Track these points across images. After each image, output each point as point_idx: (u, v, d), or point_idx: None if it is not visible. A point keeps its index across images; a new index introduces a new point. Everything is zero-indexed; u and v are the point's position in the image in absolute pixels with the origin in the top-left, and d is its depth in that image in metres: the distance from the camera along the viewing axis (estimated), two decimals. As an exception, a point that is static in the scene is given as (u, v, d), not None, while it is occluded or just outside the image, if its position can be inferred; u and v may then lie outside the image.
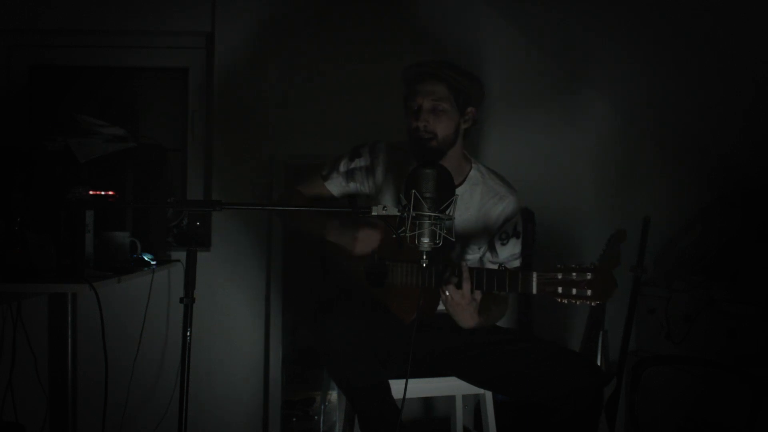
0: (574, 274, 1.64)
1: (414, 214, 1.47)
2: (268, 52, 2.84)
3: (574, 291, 1.64)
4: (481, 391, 1.93)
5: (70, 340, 2.30)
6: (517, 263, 1.99)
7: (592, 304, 1.65)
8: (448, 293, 1.71)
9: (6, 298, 2.35)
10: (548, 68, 2.96)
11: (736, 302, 2.41)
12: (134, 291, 2.61)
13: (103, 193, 2.18)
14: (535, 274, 1.67)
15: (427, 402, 2.88)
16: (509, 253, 1.98)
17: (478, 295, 1.73)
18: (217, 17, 2.83)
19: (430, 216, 1.47)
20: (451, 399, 2.26)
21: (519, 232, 1.99)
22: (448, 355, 1.90)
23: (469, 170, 1.99)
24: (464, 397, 2.24)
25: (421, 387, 1.89)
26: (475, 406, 2.65)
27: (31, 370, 2.48)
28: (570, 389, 1.72)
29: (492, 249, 1.98)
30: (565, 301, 1.66)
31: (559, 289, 1.65)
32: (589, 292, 1.63)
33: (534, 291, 1.67)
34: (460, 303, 1.72)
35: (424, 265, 1.50)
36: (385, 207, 1.50)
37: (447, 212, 1.50)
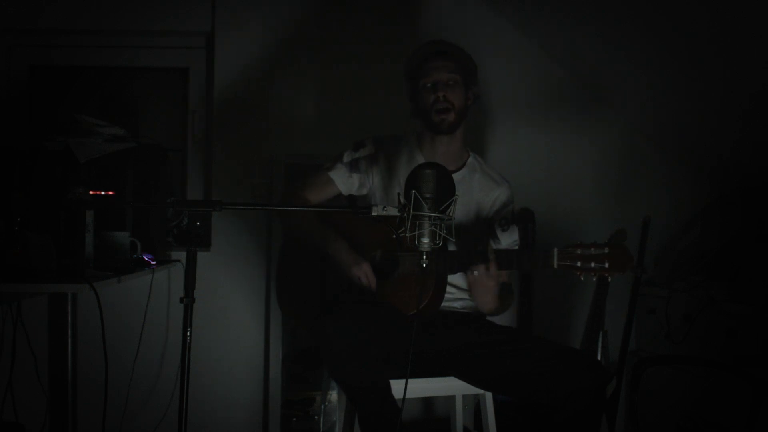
0: (592, 249, 1.72)
1: (413, 215, 1.47)
2: (268, 52, 2.84)
3: (592, 264, 1.71)
4: (481, 391, 1.93)
5: (70, 340, 2.30)
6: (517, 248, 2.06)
7: (609, 278, 1.73)
8: (477, 273, 1.79)
9: (6, 298, 2.35)
10: (549, 70, 2.96)
11: (736, 302, 2.41)
12: (134, 291, 2.61)
13: (103, 193, 2.19)
14: (556, 250, 1.75)
15: (427, 402, 2.88)
16: (511, 239, 2.05)
17: (504, 275, 1.81)
18: (217, 17, 2.83)
19: (429, 216, 1.47)
20: (451, 399, 2.26)
21: (517, 219, 2.12)
22: (448, 355, 1.90)
23: (468, 157, 2.09)
24: (464, 397, 2.24)
25: (421, 387, 1.89)
26: (475, 406, 2.65)
27: (31, 370, 2.49)
28: (572, 389, 1.72)
29: (494, 236, 2.05)
30: (582, 277, 1.73)
31: (578, 263, 1.73)
32: (607, 265, 1.71)
33: (555, 265, 1.74)
34: (487, 284, 1.81)
35: (424, 265, 1.50)
36: (385, 207, 1.50)
37: (447, 213, 1.50)
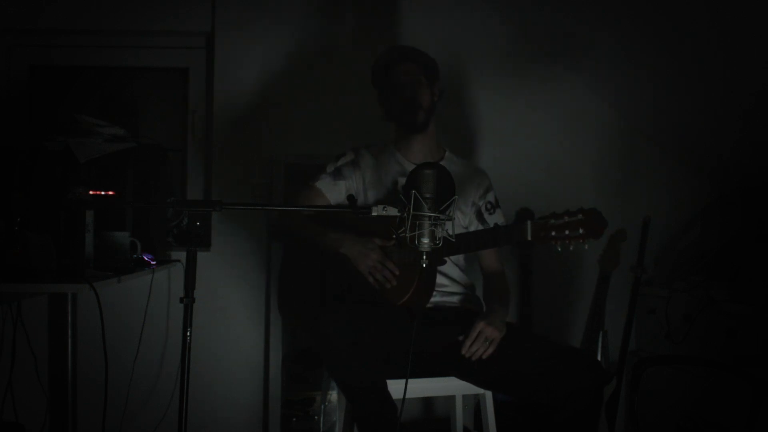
0: (565, 217, 1.75)
1: (413, 215, 1.47)
2: (268, 52, 2.84)
3: (567, 232, 1.74)
4: (481, 391, 1.93)
5: (70, 340, 2.31)
6: None
7: (586, 246, 1.75)
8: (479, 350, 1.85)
9: (6, 298, 2.35)
10: (549, 68, 2.96)
11: (736, 302, 2.41)
12: (134, 291, 2.61)
13: (103, 193, 2.19)
14: (529, 222, 1.79)
15: (427, 402, 2.88)
16: (498, 221, 2.14)
17: (491, 332, 1.85)
18: (217, 17, 2.83)
19: (429, 216, 1.47)
20: (451, 399, 2.26)
21: (499, 203, 2.18)
22: (448, 354, 1.90)
23: (445, 152, 2.17)
24: (464, 397, 2.24)
25: (421, 387, 1.89)
26: (475, 406, 2.65)
27: (31, 370, 2.48)
28: (572, 389, 1.72)
29: (482, 221, 2.13)
30: (560, 248, 1.75)
31: (553, 233, 1.76)
32: (581, 231, 1.73)
33: (529, 237, 1.78)
34: (491, 341, 1.86)
35: (424, 265, 1.50)
36: (385, 207, 1.50)
37: (447, 213, 1.50)
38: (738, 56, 2.27)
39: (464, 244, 1.91)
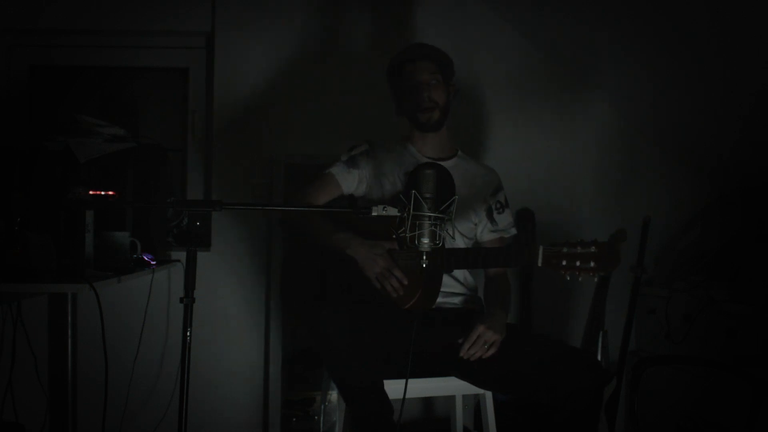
0: (578, 247, 1.71)
1: (413, 215, 1.47)
2: (268, 52, 2.84)
3: (578, 263, 1.71)
4: (481, 391, 1.93)
5: (70, 340, 2.30)
6: (513, 230, 2.17)
7: (596, 278, 1.72)
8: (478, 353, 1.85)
9: (6, 298, 2.35)
10: (549, 69, 2.96)
11: (736, 302, 2.41)
12: (134, 291, 2.61)
13: (103, 193, 2.19)
14: (541, 248, 1.76)
15: (427, 402, 2.88)
16: (507, 221, 2.16)
17: (490, 336, 1.85)
18: (217, 17, 2.83)
19: (429, 216, 1.47)
20: (451, 399, 2.26)
21: (508, 203, 2.19)
22: (448, 354, 1.90)
23: (457, 151, 2.20)
24: (464, 397, 2.24)
25: (421, 387, 1.89)
26: (475, 406, 2.65)
27: (31, 370, 2.48)
28: (572, 389, 1.72)
29: (491, 219, 2.13)
30: (568, 277, 1.72)
31: (564, 262, 1.72)
32: (592, 264, 1.70)
33: (540, 263, 1.75)
34: (491, 344, 1.86)
35: (424, 265, 1.50)
36: (385, 207, 1.50)
37: (447, 213, 1.50)
38: (738, 56, 2.27)
39: (475, 259, 1.90)
